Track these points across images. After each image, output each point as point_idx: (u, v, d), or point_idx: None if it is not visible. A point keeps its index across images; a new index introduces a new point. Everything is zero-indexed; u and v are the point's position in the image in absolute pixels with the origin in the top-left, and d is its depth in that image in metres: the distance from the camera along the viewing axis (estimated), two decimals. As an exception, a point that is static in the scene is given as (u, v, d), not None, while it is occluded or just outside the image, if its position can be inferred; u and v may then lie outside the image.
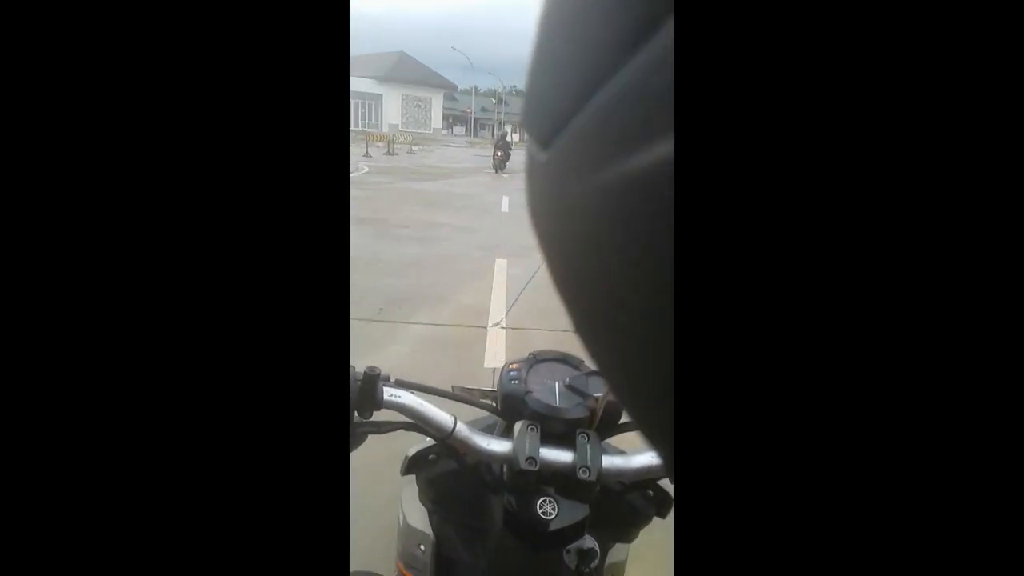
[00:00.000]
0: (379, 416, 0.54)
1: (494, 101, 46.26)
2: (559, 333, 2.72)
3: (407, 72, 36.97)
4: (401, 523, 0.67)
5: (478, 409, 0.61)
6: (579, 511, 0.53)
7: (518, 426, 0.54)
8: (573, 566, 0.54)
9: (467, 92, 52.99)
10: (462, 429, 0.53)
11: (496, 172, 13.66)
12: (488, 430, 0.59)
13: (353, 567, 0.54)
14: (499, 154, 14.25)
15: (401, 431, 0.56)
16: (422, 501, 0.65)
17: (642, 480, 0.57)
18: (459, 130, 47.19)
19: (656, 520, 0.62)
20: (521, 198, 0.19)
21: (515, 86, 49.05)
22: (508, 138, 15.74)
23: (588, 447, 0.53)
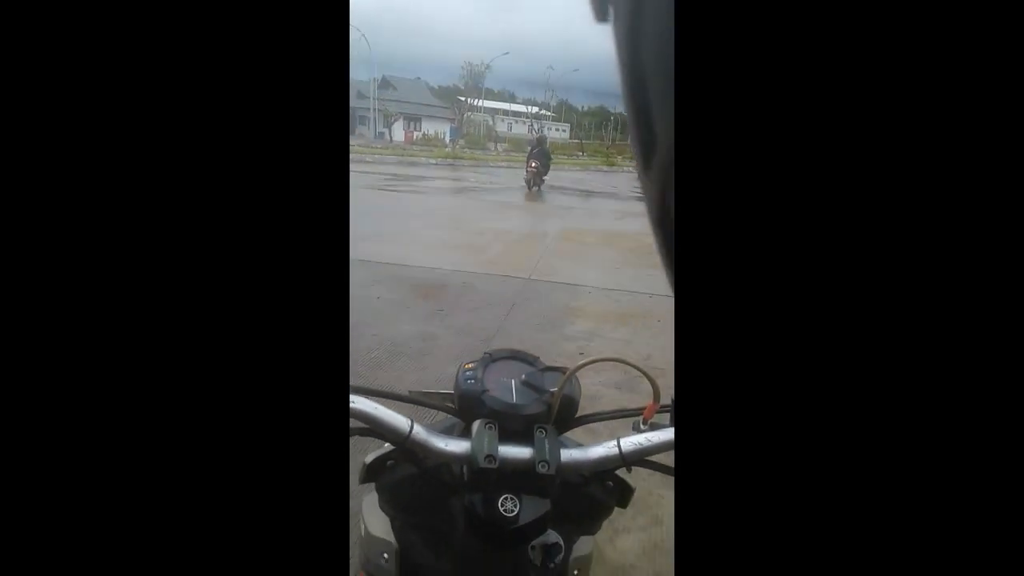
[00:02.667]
0: None
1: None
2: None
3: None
4: (362, 533, 0.66)
5: (436, 412, 0.62)
6: (541, 506, 0.53)
7: (476, 425, 0.54)
8: (538, 562, 0.54)
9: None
10: (419, 431, 0.53)
11: (529, 189, 11.31)
12: (447, 431, 0.58)
13: None
14: (534, 165, 11.27)
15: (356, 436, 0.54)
16: (383, 508, 0.64)
17: (601, 471, 0.57)
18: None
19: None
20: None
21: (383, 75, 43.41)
22: (547, 145, 12.52)
23: (546, 441, 0.53)
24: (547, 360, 0.63)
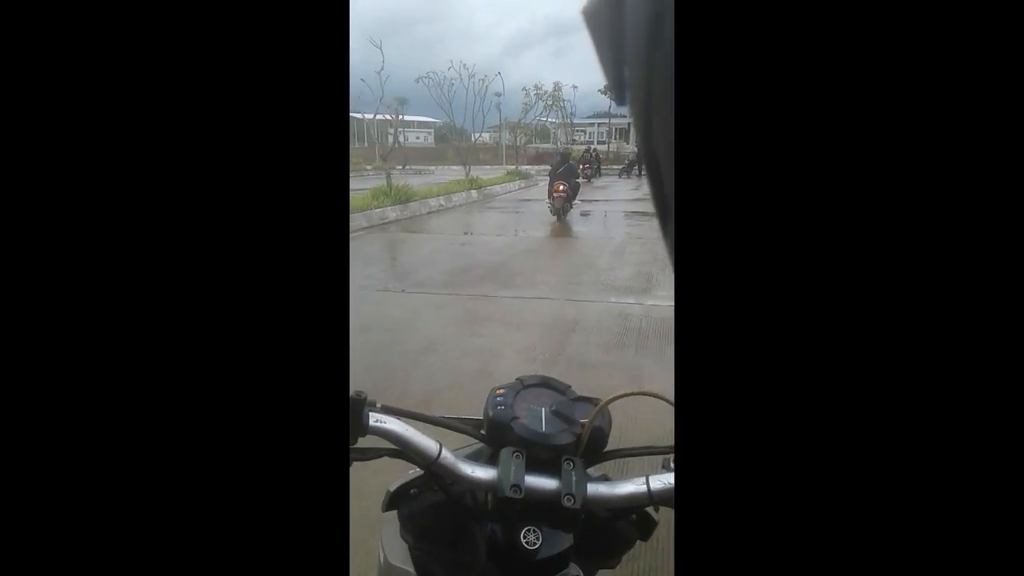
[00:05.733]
0: (364, 442, 0.54)
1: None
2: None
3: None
4: (381, 561, 0.66)
5: (464, 437, 0.61)
6: (564, 540, 0.53)
7: (504, 453, 0.54)
8: None
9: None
10: (447, 456, 0.53)
11: (557, 218, 9.34)
12: (474, 457, 0.58)
13: None
14: (562, 188, 9.16)
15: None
16: (403, 537, 0.64)
17: (632, 507, 0.57)
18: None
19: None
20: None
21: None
22: (590, 159, 10.99)
23: (573, 474, 0.53)
24: (579, 390, 0.62)
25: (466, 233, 8.99)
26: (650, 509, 0.58)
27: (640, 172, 18.36)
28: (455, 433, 0.61)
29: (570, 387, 0.63)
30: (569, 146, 16.35)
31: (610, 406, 0.57)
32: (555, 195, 9.31)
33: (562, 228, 9.16)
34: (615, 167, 24.20)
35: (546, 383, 0.63)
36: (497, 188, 17.71)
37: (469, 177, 16.41)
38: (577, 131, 40.94)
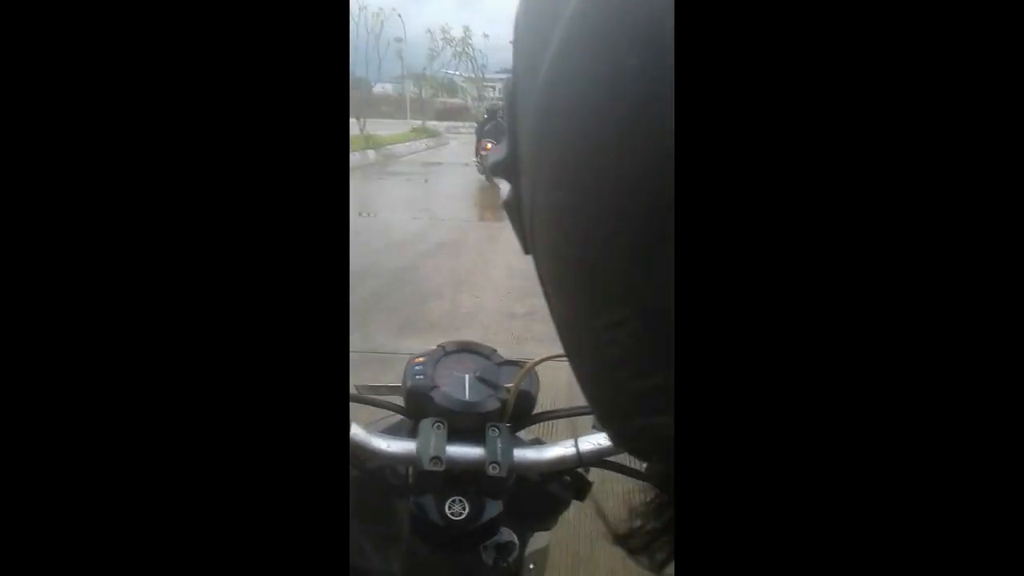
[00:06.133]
0: None
1: None
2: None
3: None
4: None
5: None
6: (492, 508, 0.53)
7: (423, 424, 0.52)
8: (491, 561, 0.53)
9: None
10: (357, 432, 0.51)
11: (486, 178, 7.49)
12: (393, 430, 0.57)
13: None
14: (490, 147, 7.95)
15: None
16: None
17: (562, 470, 0.56)
18: None
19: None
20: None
21: None
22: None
23: (498, 441, 0.52)
24: (506, 353, 0.60)
25: (359, 213, 6.05)
26: (583, 470, 0.58)
27: None
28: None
29: (495, 351, 0.62)
30: (497, 102, 13.60)
31: (539, 369, 0.56)
32: (483, 153, 8.25)
33: (492, 200, 6.91)
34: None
35: (469, 348, 0.61)
36: (400, 148, 14.82)
37: (364, 133, 13.09)
38: (487, 86, 37.60)
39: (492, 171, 0.22)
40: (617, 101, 0.14)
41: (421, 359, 0.58)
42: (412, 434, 0.53)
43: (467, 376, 0.57)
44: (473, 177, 8.72)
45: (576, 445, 0.52)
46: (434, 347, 0.61)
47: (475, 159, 8.78)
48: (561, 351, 0.40)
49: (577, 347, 0.21)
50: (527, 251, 0.22)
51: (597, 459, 0.52)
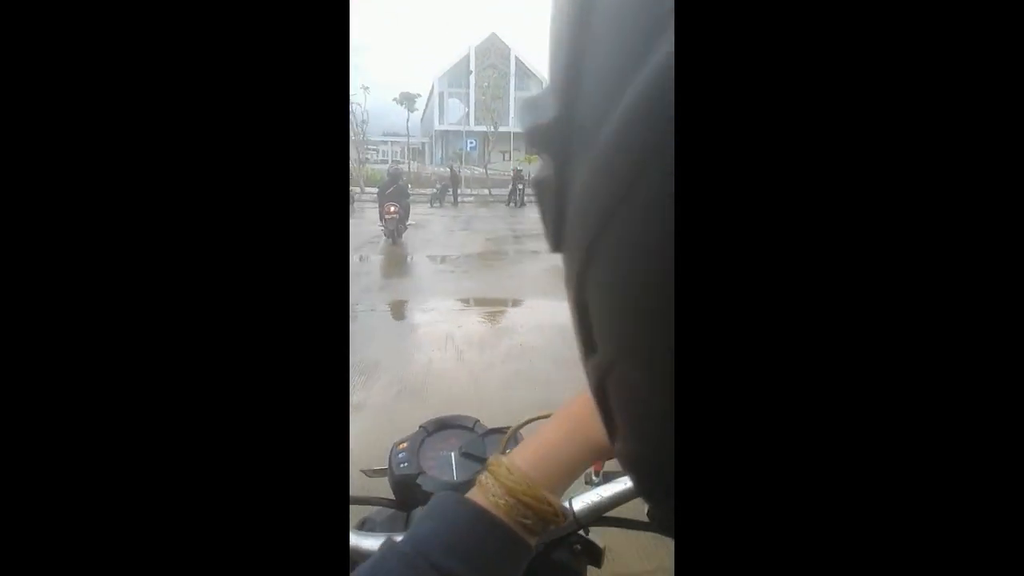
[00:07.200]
0: None
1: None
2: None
3: None
4: None
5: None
6: None
7: (414, 516, 0.50)
8: None
9: None
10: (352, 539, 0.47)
11: (392, 241, 8.35)
12: (389, 524, 0.54)
13: None
14: (393, 210, 8.40)
15: None
16: None
17: (563, 536, 0.52)
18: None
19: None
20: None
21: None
22: (404, 181, 9.68)
23: None
24: (489, 422, 0.60)
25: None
26: (594, 536, 0.54)
27: (513, 199, 16.65)
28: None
29: (478, 421, 0.60)
30: (398, 164, 13.65)
31: (524, 431, 0.54)
32: (387, 217, 8.47)
33: (397, 262, 7.06)
34: (423, 191, 19.18)
35: (451, 423, 0.60)
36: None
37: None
38: (370, 149, 37.38)
39: (530, 137, 0.17)
40: None
41: (404, 444, 0.57)
42: (407, 525, 0.51)
43: (452, 454, 0.56)
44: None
45: (571, 506, 0.48)
46: (416, 429, 0.59)
47: (380, 224, 8.71)
48: (541, 413, 0.41)
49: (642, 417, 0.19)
50: (555, 248, 0.19)
51: (595, 517, 0.49)
